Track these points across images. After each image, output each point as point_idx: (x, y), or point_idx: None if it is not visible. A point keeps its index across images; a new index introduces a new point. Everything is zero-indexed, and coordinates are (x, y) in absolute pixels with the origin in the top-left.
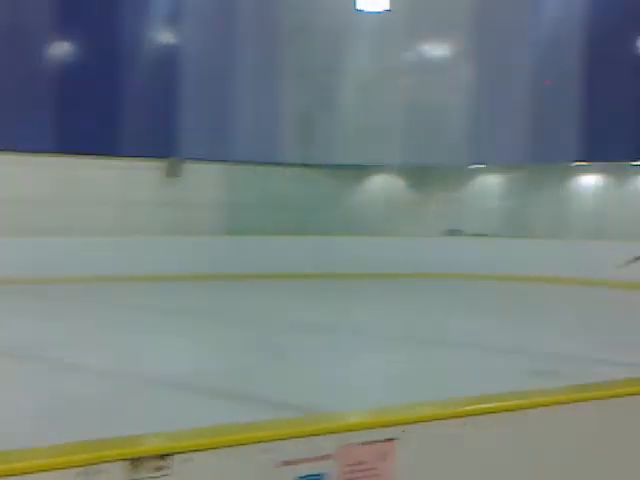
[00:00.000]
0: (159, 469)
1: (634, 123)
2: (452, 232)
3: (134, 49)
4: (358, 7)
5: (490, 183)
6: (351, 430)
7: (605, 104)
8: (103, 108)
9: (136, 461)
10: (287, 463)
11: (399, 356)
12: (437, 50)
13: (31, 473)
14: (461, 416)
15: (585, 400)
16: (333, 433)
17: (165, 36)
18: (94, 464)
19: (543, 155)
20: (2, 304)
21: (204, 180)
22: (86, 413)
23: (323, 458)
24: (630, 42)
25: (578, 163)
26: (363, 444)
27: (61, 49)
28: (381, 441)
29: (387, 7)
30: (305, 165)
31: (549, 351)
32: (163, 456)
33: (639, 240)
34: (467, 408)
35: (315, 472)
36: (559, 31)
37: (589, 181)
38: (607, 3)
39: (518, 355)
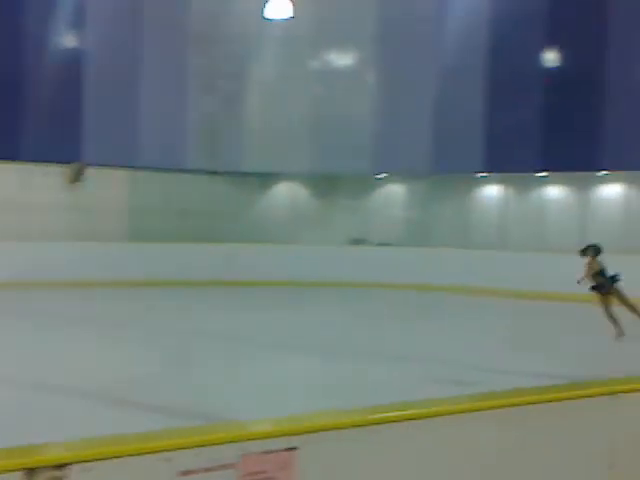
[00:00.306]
0: (55, 479)
1: (537, 135)
2: (356, 241)
3: (37, 53)
4: (266, 15)
5: (395, 192)
6: (252, 439)
7: (508, 116)
8: (5, 112)
9: (31, 471)
10: (187, 473)
11: (299, 365)
12: (342, 59)
13: None
14: (364, 425)
15: (487, 409)
16: (233, 442)
17: (68, 40)
18: None
19: (447, 165)
20: None
21: (107, 186)
22: None
23: (223, 467)
24: (532, 56)
25: (481, 174)
26: (264, 453)
27: None
28: (282, 450)
29: (290, 15)
30: (211, 172)
31: (453, 360)
32: (60, 466)
33: (539, 250)
34: (370, 417)
35: None
36: (463, 43)
37: (492, 192)
38: (510, 19)
39: (421, 363)
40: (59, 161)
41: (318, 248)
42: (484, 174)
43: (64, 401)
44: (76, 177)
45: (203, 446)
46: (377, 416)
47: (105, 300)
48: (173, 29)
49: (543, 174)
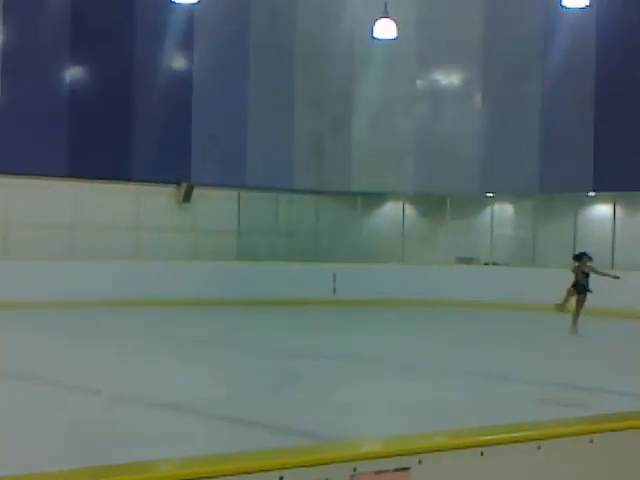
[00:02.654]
0: None
1: None
2: (463, 260)
3: (146, 75)
4: (375, 35)
5: (502, 212)
6: (363, 459)
7: (617, 134)
8: (116, 133)
9: None
10: None
11: (407, 385)
12: (448, 78)
13: None
14: (476, 446)
15: (601, 431)
16: (345, 461)
17: (179, 62)
18: None
19: (555, 185)
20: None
21: (216, 206)
22: (93, 437)
23: None
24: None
25: (590, 193)
26: (376, 473)
27: (76, 74)
28: (394, 470)
29: (395, 35)
30: (318, 192)
31: (562, 381)
32: None
33: None
34: (482, 438)
35: None
36: (570, 61)
37: (601, 211)
38: (617, 36)
39: (528, 384)
40: (169, 181)
41: (425, 267)
42: (593, 194)
43: (175, 419)
44: (185, 197)
45: (315, 465)
46: (489, 437)
47: (213, 319)
48: (280, 50)
49: None
